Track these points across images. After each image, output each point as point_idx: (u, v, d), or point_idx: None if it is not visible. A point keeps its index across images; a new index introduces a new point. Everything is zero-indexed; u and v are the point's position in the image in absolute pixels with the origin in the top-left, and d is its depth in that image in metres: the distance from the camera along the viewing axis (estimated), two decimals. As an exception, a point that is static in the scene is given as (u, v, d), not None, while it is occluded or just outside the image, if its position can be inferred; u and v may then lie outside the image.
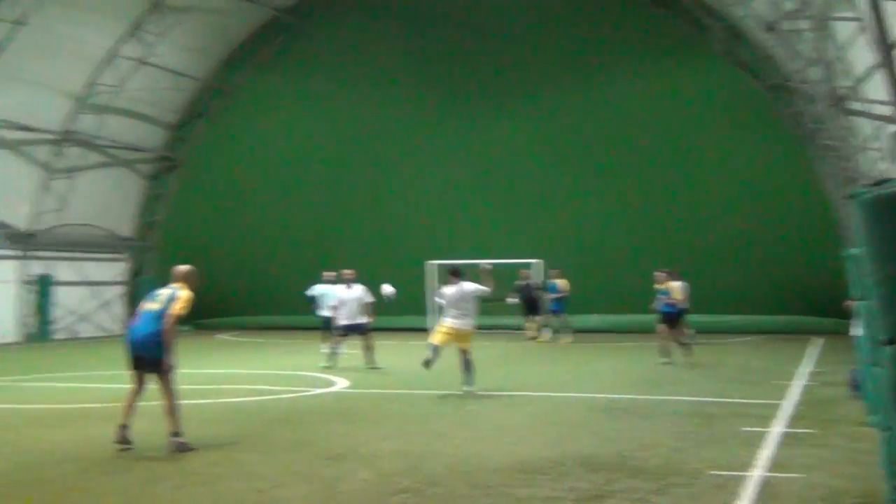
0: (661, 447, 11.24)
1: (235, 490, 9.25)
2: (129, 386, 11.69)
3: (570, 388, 17.77)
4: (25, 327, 35.56)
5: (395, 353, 24.88)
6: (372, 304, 21.98)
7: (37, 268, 36.23)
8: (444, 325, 16.59)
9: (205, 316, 38.35)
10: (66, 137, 35.97)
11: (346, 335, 21.56)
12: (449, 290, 16.70)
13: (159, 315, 11.39)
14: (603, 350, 26.58)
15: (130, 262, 40.80)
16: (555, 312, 29.87)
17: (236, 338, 34.11)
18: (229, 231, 38.98)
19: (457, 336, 16.45)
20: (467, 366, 16.46)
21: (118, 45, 35.72)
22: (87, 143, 36.69)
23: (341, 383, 18.51)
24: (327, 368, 21.05)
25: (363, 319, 21.54)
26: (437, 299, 17.15)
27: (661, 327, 22.00)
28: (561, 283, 29.86)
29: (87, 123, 36.36)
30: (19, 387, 19.41)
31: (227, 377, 20.57)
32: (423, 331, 34.23)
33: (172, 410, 11.40)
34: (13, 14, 30.59)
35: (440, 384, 16.98)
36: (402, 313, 34.84)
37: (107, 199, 38.95)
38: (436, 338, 16.58)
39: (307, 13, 39.40)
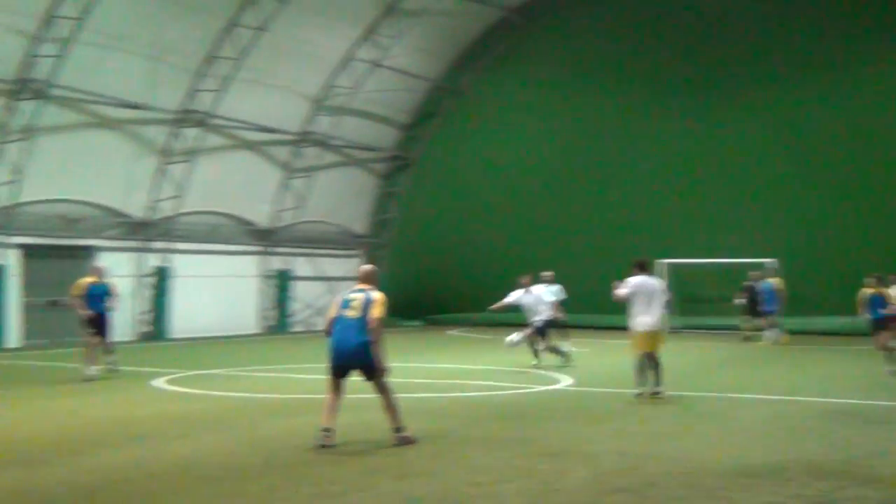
0: (895, 455, 10.74)
1: (454, 483, 9.36)
2: (328, 394, 11.61)
3: (795, 391, 17.14)
4: (266, 320, 37.26)
5: (621, 352, 24.60)
6: (554, 302, 22.62)
7: (276, 263, 37.82)
8: (636, 330, 15.64)
9: (436, 311, 39.17)
10: (305, 138, 37.37)
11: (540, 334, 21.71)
12: (634, 280, 15.73)
13: (362, 323, 11.35)
14: (825, 353, 25.52)
15: (364, 259, 41.99)
16: (767, 313, 28.84)
17: (466, 334, 34.55)
18: (459, 228, 39.55)
19: (649, 338, 15.60)
20: (656, 366, 15.58)
21: (354, 48, 36.81)
22: (323, 144, 38.02)
23: (565, 381, 18.50)
24: (536, 365, 21.21)
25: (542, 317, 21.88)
26: (619, 291, 15.74)
27: (877, 335, 20.69)
28: (775, 282, 28.92)
29: (324, 124, 37.66)
30: (257, 377, 20.29)
31: (455, 372, 20.85)
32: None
33: (392, 407, 11.59)
34: (256, 21, 32.03)
35: (666, 384, 16.70)
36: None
37: (342, 197, 40.25)
38: (638, 347, 15.75)
39: (536, 13, 39.53)
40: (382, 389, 11.59)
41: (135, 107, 30.91)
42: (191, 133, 33.08)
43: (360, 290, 11.67)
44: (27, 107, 28.13)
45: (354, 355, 11.38)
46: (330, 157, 39.15)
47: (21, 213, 29.39)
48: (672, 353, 16.39)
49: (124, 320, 32.35)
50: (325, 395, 11.63)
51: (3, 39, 27.08)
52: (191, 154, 33.16)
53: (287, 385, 18.54)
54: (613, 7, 38.07)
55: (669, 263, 31.43)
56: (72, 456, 10.94)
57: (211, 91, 32.64)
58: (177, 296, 33.21)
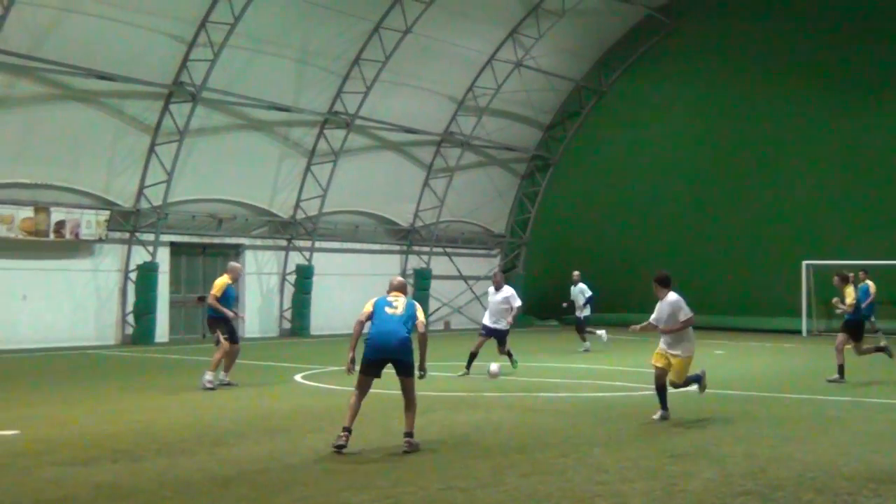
0: None
1: (579, 481, 9.44)
2: (355, 392, 11.44)
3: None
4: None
5: (762, 354, 24.30)
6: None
7: (416, 262, 38.32)
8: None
9: (573, 311, 39.09)
10: (447, 139, 37.76)
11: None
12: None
13: (406, 319, 11.44)
14: None
15: (502, 258, 42.27)
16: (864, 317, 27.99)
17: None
18: (597, 228, 39.44)
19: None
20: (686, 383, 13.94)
21: (496, 49, 37.03)
22: (465, 144, 38.33)
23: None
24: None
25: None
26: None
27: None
28: (870, 285, 28.22)
29: (466, 125, 37.99)
30: (393, 374, 20.60)
31: (587, 372, 20.85)
32: (796, 333, 33.36)
33: (413, 410, 11.51)
34: (401, 23, 32.51)
35: (800, 388, 16.48)
36: (774, 315, 34.05)
37: (482, 196, 40.53)
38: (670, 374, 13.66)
39: (681, 11, 39.14)
40: (411, 390, 11.57)
41: (283, 109, 31.77)
42: (336, 134, 33.78)
43: (400, 298, 11.69)
44: (180, 110, 29.15)
45: (397, 350, 11.35)
46: (471, 158, 39.47)
47: (172, 212, 30.48)
48: (809, 356, 16.05)
49: (268, 317, 33.34)
50: (352, 395, 11.46)
51: (160, 44, 28.12)
52: (336, 155, 33.86)
53: (419, 382, 18.80)
54: (761, 5, 37.41)
55: (812, 265, 30.83)
56: (213, 446, 11.39)
57: (356, 93, 33.26)
58: (319, 293, 33.94)
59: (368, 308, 11.60)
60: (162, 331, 30.13)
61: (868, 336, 28.26)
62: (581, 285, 27.11)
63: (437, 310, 38.66)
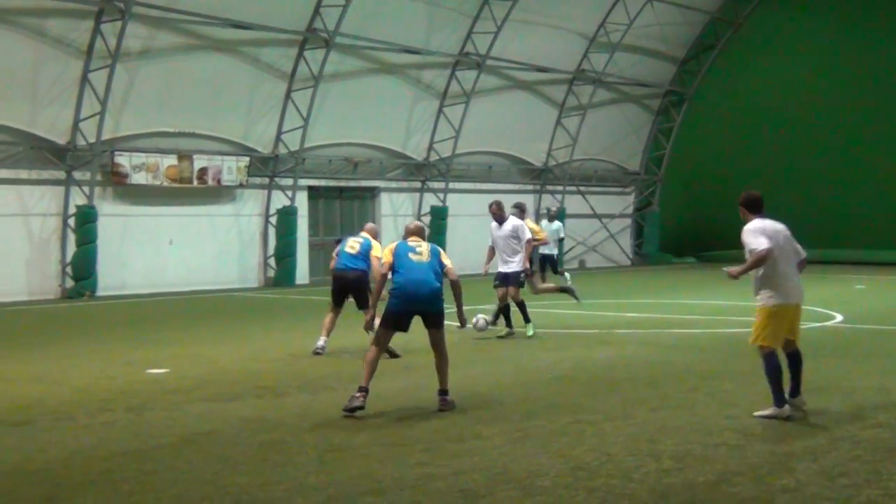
0: None
1: (708, 415, 9.53)
2: (374, 348, 10.30)
3: None
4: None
5: None
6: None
7: (550, 201, 38.34)
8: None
9: (708, 248, 38.72)
10: (579, 76, 37.52)
11: None
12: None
13: (434, 267, 10.50)
14: None
15: (636, 196, 41.98)
16: None
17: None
18: (733, 164, 38.67)
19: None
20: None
21: (628, -17, 36.55)
22: (597, 81, 38.02)
23: (836, 318, 18.13)
24: None
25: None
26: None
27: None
28: None
29: (598, 62, 37.64)
30: (529, 313, 20.85)
31: (721, 309, 20.74)
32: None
33: (446, 366, 10.50)
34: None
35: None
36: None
37: (615, 134, 40.22)
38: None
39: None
40: (442, 342, 10.53)
41: (414, 52, 32.01)
42: (467, 75, 33.90)
43: (421, 243, 10.73)
44: (314, 56, 29.65)
45: (428, 300, 10.35)
46: (603, 95, 39.13)
47: (309, 156, 31.13)
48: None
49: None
50: (372, 350, 10.25)
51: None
52: (467, 96, 34.00)
53: (553, 320, 19.01)
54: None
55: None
56: (350, 382, 11.68)
57: (487, 33, 33.27)
58: (453, 233, 34.29)
59: (388, 257, 10.53)
60: (302, 273, 30.94)
61: None
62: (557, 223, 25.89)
63: (571, 248, 38.68)
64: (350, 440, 8.75)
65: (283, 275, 30.15)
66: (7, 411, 10.25)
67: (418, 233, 11.01)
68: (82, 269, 26.14)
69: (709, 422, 9.24)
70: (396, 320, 10.37)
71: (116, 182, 27.03)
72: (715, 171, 39.09)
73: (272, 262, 30.43)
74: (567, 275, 24.61)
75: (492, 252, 16.82)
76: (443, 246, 33.29)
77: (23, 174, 25.54)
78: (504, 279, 16.23)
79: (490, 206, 16.67)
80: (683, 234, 39.23)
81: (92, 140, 26.16)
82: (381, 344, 10.43)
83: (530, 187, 38.16)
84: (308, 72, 29.71)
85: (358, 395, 9.86)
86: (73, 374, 12.79)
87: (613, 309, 19.80)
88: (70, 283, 26.16)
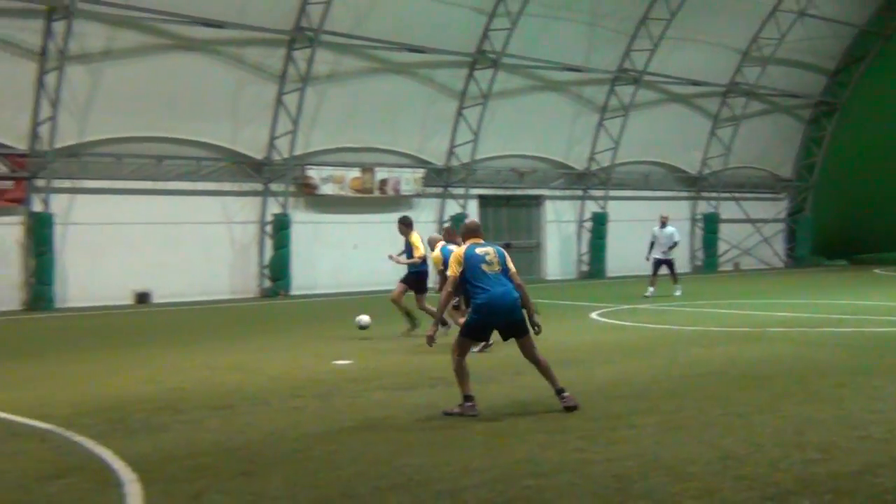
0: None
1: (854, 410, 9.19)
2: (460, 358, 9.63)
3: None
4: (695, 260, 37.31)
5: None
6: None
7: (704, 207, 37.63)
8: None
9: (860, 251, 37.33)
10: (732, 89, 36.70)
11: None
12: None
13: (506, 276, 9.76)
14: None
15: (789, 202, 40.79)
16: None
17: (891, 273, 32.67)
18: (884, 170, 37.15)
19: None
20: None
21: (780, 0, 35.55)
22: (750, 93, 37.12)
23: None
24: None
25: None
26: None
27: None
28: None
29: (751, 75, 36.73)
30: (682, 311, 20.55)
31: (873, 309, 19.96)
32: None
33: (549, 366, 9.71)
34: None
35: None
36: None
37: (767, 143, 39.15)
38: None
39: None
40: (533, 347, 9.73)
41: (575, 69, 31.88)
42: (626, 90, 33.59)
43: (484, 244, 9.87)
44: (483, 75, 29.87)
45: (510, 311, 9.61)
46: (756, 106, 38.15)
47: (479, 168, 31.38)
48: None
49: (567, 261, 33.79)
50: (455, 363, 9.58)
51: (463, 17, 28.84)
52: (626, 109, 33.68)
53: (708, 318, 18.68)
54: None
55: None
56: (514, 375, 11.81)
57: (644, 50, 32.92)
58: (613, 238, 34.00)
59: (457, 267, 9.63)
60: (470, 274, 31.17)
61: None
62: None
63: (725, 252, 37.94)
64: (513, 427, 8.80)
65: (455, 276, 30.40)
66: (211, 397, 10.68)
67: (479, 232, 10.03)
68: (278, 271, 27.02)
69: (855, 416, 8.92)
70: (480, 332, 9.96)
71: (307, 193, 27.81)
72: (867, 177, 37.59)
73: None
74: (679, 287, 24.02)
75: None
76: (603, 250, 33.36)
77: (226, 186, 26.49)
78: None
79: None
80: (835, 237, 37.86)
81: (286, 155, 27.00)
82: (465, 352, 9.67)
83: (685, 194, 37.50)
84: (478, 90, 29.97)
85: (468, 405, 9.37)
86: (268, 364, 13.23)
87: (765, 308, 19.31)
88: (267, 283, 27.04)
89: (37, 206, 23.41)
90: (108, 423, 9.20)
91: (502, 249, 9.97)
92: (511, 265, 9.90)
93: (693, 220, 37.48)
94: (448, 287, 9.86)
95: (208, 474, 7.31)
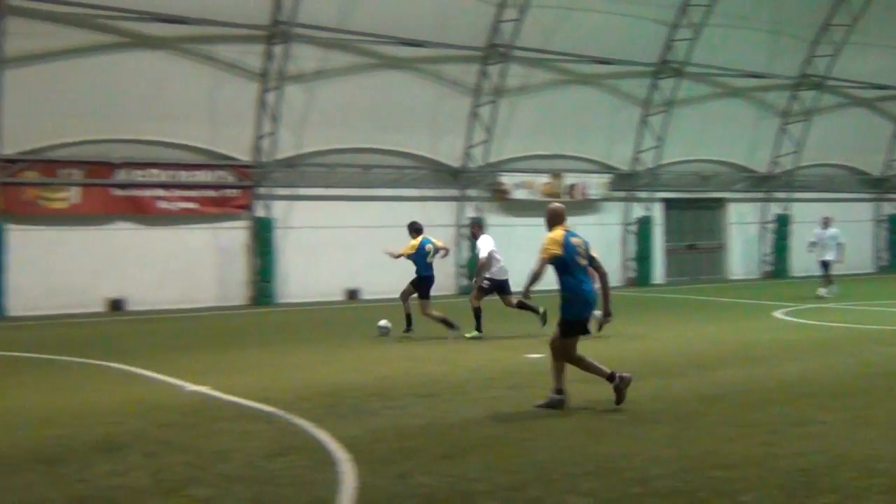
0: None
1: None
2: (565, 362, 9.34)
3: None
4: (880, 260, 35.50)
5: None
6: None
7: (889, 208, 35.78)
8: None
9: None
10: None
11: None
12: None
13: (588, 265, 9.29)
14: None
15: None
16: None
17: None
18: None
19: None
20: None
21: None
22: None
23: None
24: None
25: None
26: None
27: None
28: None
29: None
30: (868, 311, 19.61)
31: None
32: None
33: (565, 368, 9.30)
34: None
35: None
36: None
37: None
38: None
39: None
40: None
41: (757, 76, 30.85)
42: (808, 95, 32.25)
43: (573, 234, 9.41)
44: (666, 83, 29.32)
45: (594, 306, 9.53)
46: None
47: (663, 172, 30.78)
48: None
49: (750, 261, 32.80)
50: (565, 363, 9.23)
51: (647, 29, 28.38)
52: (807, 114, 32.35)
53: (894, 318, 17.75)
54: None
55: None
56: (699, 370, 11.58)
57: (825, 56, 31.56)
58: (796, 239, 32.68)
59: (557, 249, 9.15)
60: (658, 274, 30.72)
61: None
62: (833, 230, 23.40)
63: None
64: (700, 420, 8.60)
65: (641, 275, 30.10)
66: (416, 385, 10.87)
67: (565, 218, 9.47)
68: (474, 270, 27.23)
69: None
70: (580, 328, 9.26)
71: (500, 198, 27.96)
72: None
73: (631, 264, 30.41)
74: (829, 288, 22.87)
75: None
76: (786, 250, 32.14)
77: (426, 192, 26.93)
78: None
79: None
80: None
81: (480, 163, 27.25)
82: (573, 354, 9.24)
83: (868, 196, 35.68)
84: (661, 98, 29.43)
85: (559, 398, 9.16)
86: (466, 357, 13.37)
87: None
88: (464, 281, 27.31)
89: (260, 212, 24.44)
90: (323, 408, 9.51)
91: (587, 241, 9.45)
92: (596, 254, 9.43)
93: (877, 222, 35.62)
94: (535, 270, 9.24)
95: (413, 456, 7.45)
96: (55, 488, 6.68)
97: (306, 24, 23.37)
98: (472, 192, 27.63)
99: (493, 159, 27.60)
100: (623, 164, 30.14)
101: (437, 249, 16.24)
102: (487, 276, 16.14)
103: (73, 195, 21.97)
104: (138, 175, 22.72)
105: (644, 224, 30.36)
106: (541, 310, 15.36)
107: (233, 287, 24.05)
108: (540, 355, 13.17)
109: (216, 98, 23.31)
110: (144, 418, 9.08)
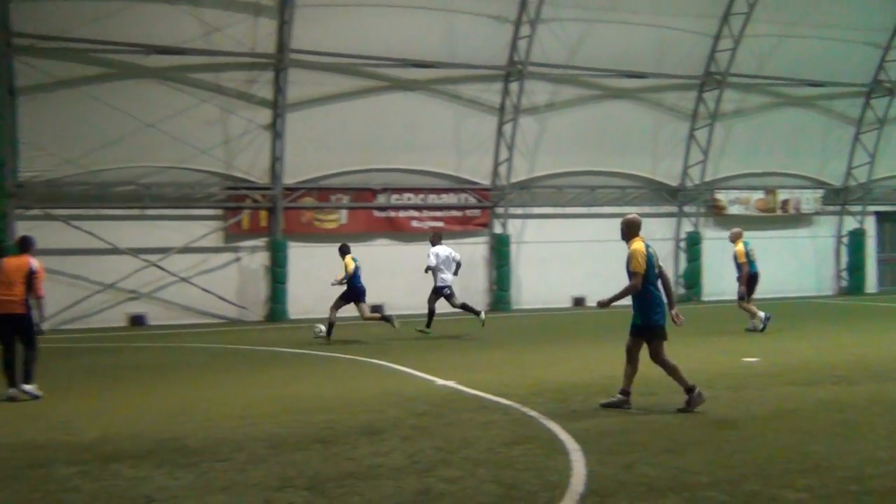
0: None
1: None
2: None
3: None
4: None
5: None
6: None
7: None
8: None
9: None
10: None
11: None
12: None
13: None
14: None
15: None
16: None
17: None
18: None
19: None
20: None
21: None
22: None
23: None
24: None
25: None
26: None
27: None
28: None
29: None
30: None
31: None
32: None
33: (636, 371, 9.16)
34: None
35: None
36: None
37: None
38: None
39: None
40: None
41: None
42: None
43: (647, 244, 9.21)
44: (879, 103, 27.46)
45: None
46: None
47: (876, 187, 28.76)
48: None
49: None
50: (665, 360, 9.00)
51: (858, 51, 26.67)
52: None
53: None
54: None
55: None
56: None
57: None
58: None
59: (644, 265, 9.00)
60: (870, 283, 28.67)
61: None
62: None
63: None
64: (916, 425, 7.98)
65: (853, 285, 28.19)
66: (639, 385, 10.64)
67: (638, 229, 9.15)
68: (691, 280, 26.54)
69: None
70: (663, 331, 8.98)
71: (716, 213, 27.04)
72: None
73: (844, 274, 28.55)
74: None
75: None
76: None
77: (646, 209, 26.29)
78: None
79: None
80: None
81: (697, 182, 26.46)
82: (665, 353, 9.03)
83: None
84: (873, 116, 27.57)
85: (696, 394, 8.85)
86: (684, 359, 12.84)
87: None
88: (682, 290, 26.60)
89: (497, 229, 24.77)
90: (554, 403, 9.52)
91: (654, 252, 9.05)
92: (659, 262, 9.13)
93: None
94: (636, 286, 8.94)
95: (637, 449, 7.33)
96: (328, 464, 7.06)
97: (538, 63, 23.55)
98: (688, 209, 26.86)
99: (708, 178, 26.74)
100: (835, 180, 28.37)
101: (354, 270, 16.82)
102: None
103: (341, 217, 23.16)
104: (395, 199, 23.65)
105: (856, 236, 28.43)
106: (482, 315, 17.03)
107: (475, 294, 24.48)
108: (756, 359, 12.65)
109: (460, 130, 23.89)
110: (401, 408, 9.41)
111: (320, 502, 6.06)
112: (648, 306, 8.98)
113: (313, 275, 22.46)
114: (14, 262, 10.70)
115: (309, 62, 21.62)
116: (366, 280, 17.32)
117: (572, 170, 25.34)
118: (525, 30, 23.14)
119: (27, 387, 10.59)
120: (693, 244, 26.59)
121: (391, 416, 8.90)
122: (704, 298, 26.41)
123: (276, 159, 21.98)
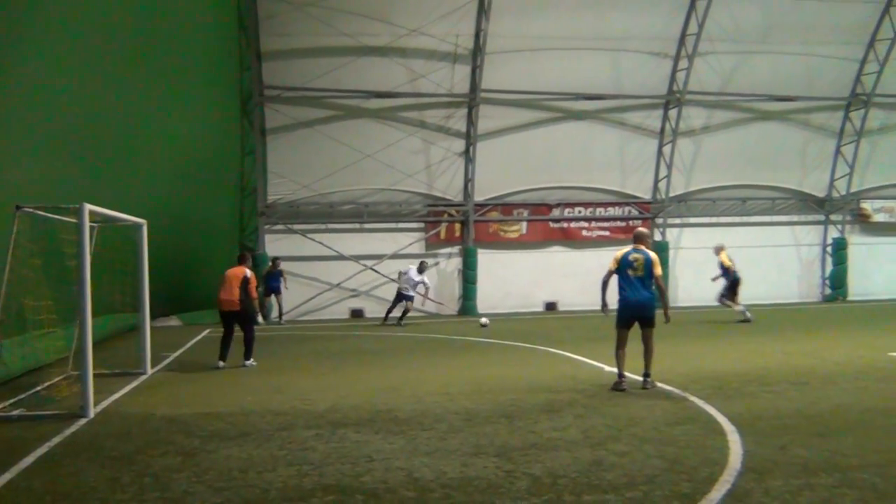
0: None
1: None
2: (622, 347, 9.27)
3: None
4: None
5: None
6: None
7: None
8: None
9: None
10: None
11: None
12: None
13: (645, 280, 9.01)
14: None
15: None
16: None
17: None
18: None
19: None
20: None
21: None
22: None
23: None
24: None
25: None
26: None
27: None
28: None
29: None
30: None
31: None
32: None
33: (651, 355, 9.24)
34: None
35: None
36: None
37: None
38: None
39: None
40: (650, 340, 9.23)
41: None
42: None
43: (638, 251, 9.10)
44: None
45: (643, 309, 9.06)
46: None
47: None
48: None
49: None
50: (618, 349, 9.22)
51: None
52: None
53: None
54: None
55: None
56: None
57: None
58: None
59: (613, 265, 9.16)
60: None
61: None
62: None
63: None
64: None
65: None
66: (789, 374, 10.03)
67: (642, 239, 9.26)
68: (837, 282, 24.67)
69: None
70: (624, 322, 9.20)
71: (863, 221, 25.03)
72: None
73: None
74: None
75: None
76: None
77: (794, 218, 24.85)
78: None
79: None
80: None
81: (843, 192, 24.61)
82: (623, 342, 9.29)
83: None
84: None
85: (621, 381, 9.13)
86: (832, 352, 12.10)
87: None
88: (827, 291, 24.80)
89: (657, 237, 24.01)
90: (711, 389, 9.10)
91: (651, 256, 9.09)
92: (657, 270, 9.08)
93: None
94: (604, 276, 9.26)
95: (790, 432, 6.88)
96: (514, 436, 7.05)
97: (695, 91, 22.67)
98: (835, 217, 24.99)
99: (854, 189, 24.80)
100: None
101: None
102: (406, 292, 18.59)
103: (522, 228, 23.18)
104: (568, 212, 23.40)
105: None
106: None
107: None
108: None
109: (625, 152, 23.35)
110: (574, 390, 9.28)
111: (508, 467, 6.05)
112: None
113: (498, 276, 22.69)
114: (233, 272, 11.74)
115: (496, 99, 21.82)
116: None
117: (725, 184, 24.21)
118: (683, 63, 22.35)
119: (248, 361, 11.87)
120: (839, 249, 24.73)
121: (566, 398, 8.79)
122: (851, 298, 24.48)
123: (468, 181, 22.33)
